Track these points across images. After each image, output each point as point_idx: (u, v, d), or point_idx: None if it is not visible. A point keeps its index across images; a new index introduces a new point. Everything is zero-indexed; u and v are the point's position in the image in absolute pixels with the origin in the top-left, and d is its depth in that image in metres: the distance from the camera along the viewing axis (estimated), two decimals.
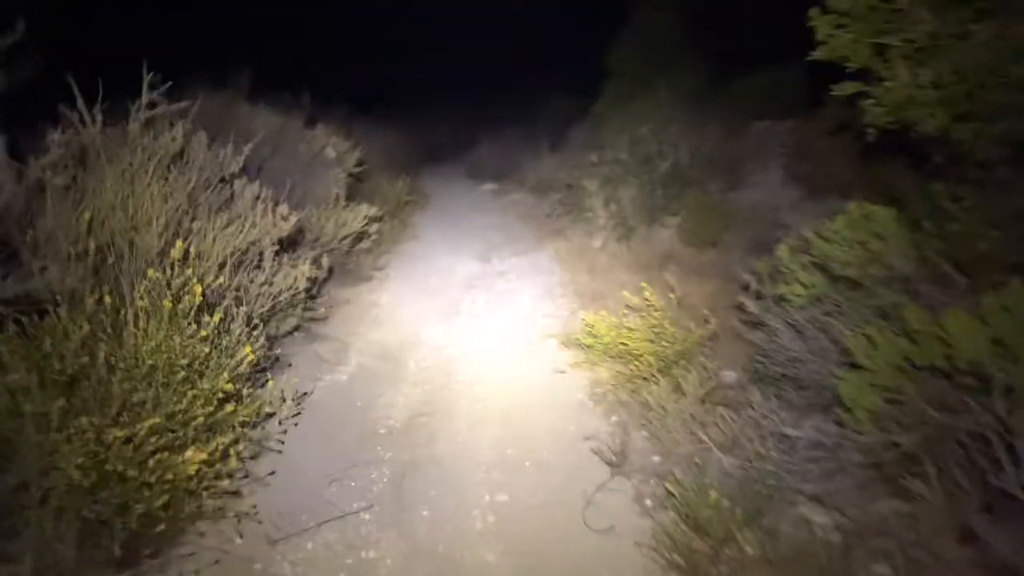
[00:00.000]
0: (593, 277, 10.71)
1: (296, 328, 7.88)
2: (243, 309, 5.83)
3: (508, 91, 25.20)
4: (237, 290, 6.29)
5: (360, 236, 10.54)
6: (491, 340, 8.81)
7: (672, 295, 7.91)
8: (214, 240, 6.05)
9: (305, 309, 7.95)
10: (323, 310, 8.84)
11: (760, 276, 6.70)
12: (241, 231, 6.34)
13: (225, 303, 5.69)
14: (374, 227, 10.95)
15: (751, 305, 6.64)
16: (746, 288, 6.89)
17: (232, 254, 6.27)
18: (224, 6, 18.43)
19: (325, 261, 9.11)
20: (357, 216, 10.14)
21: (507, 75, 26.70)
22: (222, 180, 6.81)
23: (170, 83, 6.39)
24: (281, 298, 6.94)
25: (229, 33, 17.29)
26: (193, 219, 6.19)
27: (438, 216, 15.32)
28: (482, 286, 10.86)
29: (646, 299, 7.71)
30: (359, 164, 12.10)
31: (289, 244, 7.75)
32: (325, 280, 9.63)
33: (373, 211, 10.77)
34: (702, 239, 10.92)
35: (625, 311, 8.09)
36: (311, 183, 9.70)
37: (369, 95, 20.52)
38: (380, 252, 11.94)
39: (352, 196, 11.38)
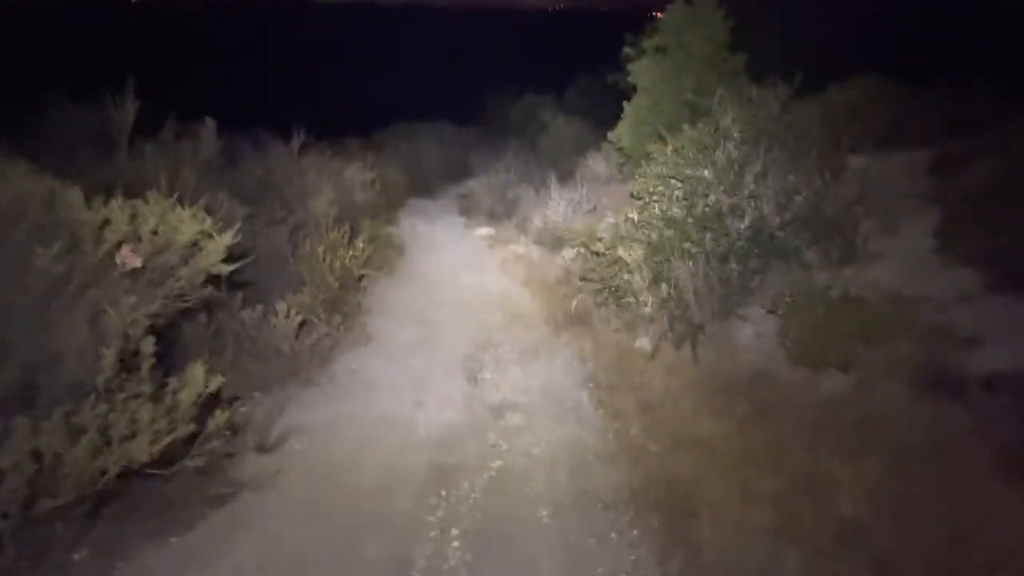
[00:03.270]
0: (651, 424, 6.73)
1: None
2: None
3: (507, 113, 21.51)
4: None
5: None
6: None
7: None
8: None
9: None
10: None
11: None
12: None
13: None
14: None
15: None
16: None
17: None
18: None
19: None
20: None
21: (506, 94, 23.06)
22: None
23: None
24: None
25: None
26: None
27: (411, 285, 11.22)
28: (462, 469, 6.36)
29: None
30: None
31: None
32: None
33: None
34: (818, 354, 6.90)
35: None
36: None
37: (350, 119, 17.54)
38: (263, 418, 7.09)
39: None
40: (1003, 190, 6.81)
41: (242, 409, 6.93)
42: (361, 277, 10.14)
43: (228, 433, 5.67)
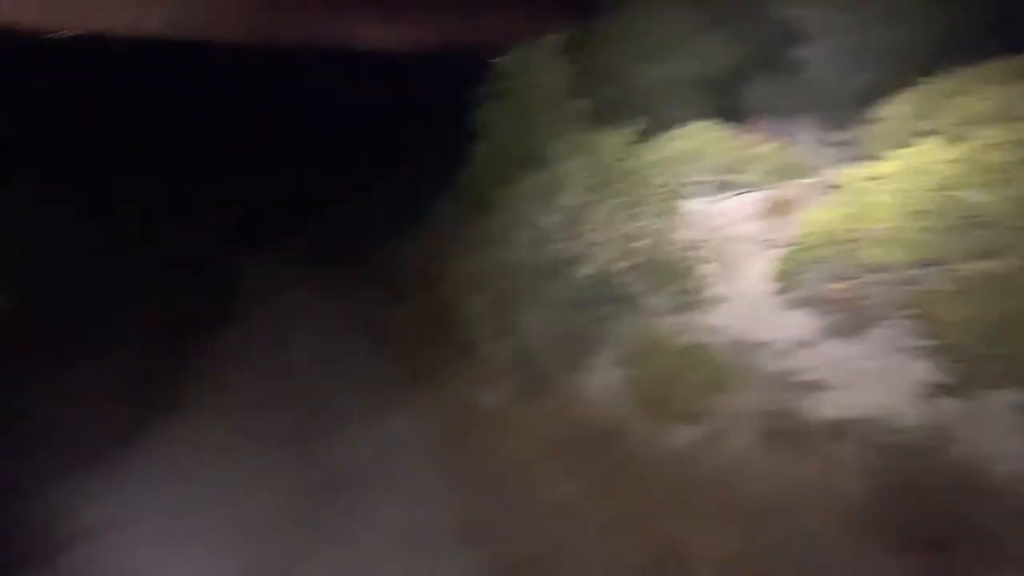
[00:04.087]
0: (502, 493, 6.28)
1: None
2: None
3: (351, 154, 20.45)
4: None
5: None
6: None
7: None
8: None
9: None
10: None
11: None
12: None
13: None
14: None
15: None
16: None
17: None
18: None
19: None
20: None
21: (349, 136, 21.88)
22: None
23: None
24: None
25: None
26: None
27: (250, 339, 10.29)
28: None
29: None
30: None
31: None
32: None
33: None
34: (668, 406, 6.75)
35: None
36: None
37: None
38: None
39: None
40: (836, 235, 6.94)
41: None
42: None
43: None
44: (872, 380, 5.99)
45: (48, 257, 10.11)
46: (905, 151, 5.90)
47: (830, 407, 5.97)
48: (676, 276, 8.28)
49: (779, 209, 8.76)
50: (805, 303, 7.00)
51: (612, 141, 9.32)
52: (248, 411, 8.51)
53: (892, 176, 5.76)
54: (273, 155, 17.27)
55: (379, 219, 14.85)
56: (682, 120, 11.77)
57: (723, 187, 10.41)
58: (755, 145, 10.68)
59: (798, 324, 7.01)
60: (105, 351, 9.11)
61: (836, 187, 6.46)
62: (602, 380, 7.69)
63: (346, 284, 13.19)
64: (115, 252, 11.39)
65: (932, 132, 6.79)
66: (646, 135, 9.86)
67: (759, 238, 8.60)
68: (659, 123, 11.16)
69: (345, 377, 9.25)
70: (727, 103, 14.04)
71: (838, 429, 5.65)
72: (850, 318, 6.55)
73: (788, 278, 7.16)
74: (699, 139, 10.91)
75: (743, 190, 10.17)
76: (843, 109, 11.78)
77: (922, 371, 5.63)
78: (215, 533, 6.12)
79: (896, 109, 8.22)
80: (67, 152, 12.17)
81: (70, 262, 10.32)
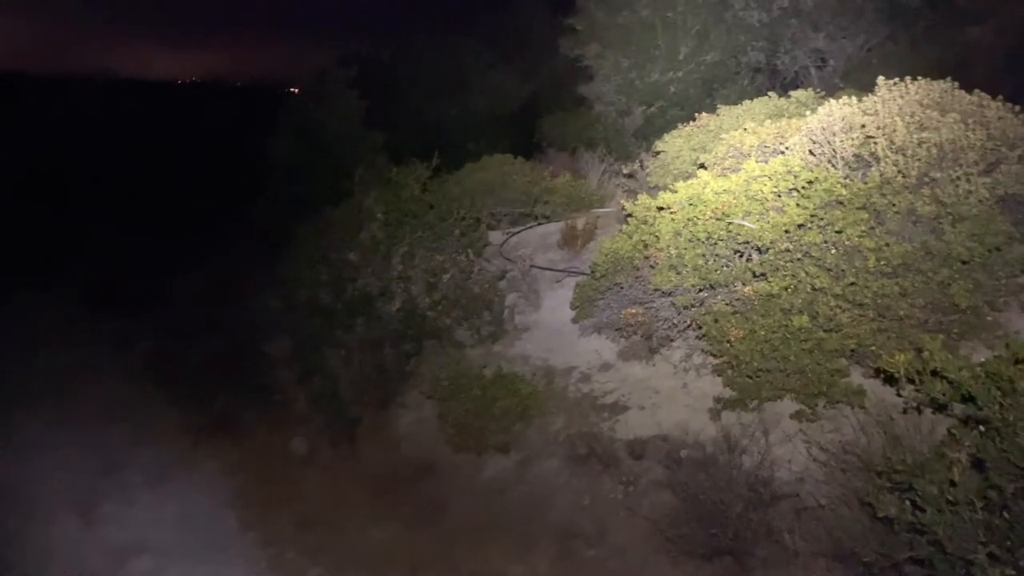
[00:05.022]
0: (312, 543, 5.96)
1: None
2: None
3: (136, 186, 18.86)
4: None
5: None
6: None
7: None
8: None
9: None
10: None
11: None
12: None
13: None
14: None
15: None
16: None
17: None
18: None
19: None
20: None
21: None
22: None
23: None
24: None
25: None
26: None
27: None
28: None
29: None
30: None
31: None
32: None
33: None
34: (478, 437, 6.77)
35: None
36: None
37: None
38: None
39: None
40: (628, 262, 7.34)
41: None
42: None
43: None
44: (668, 398, 6.39)
45: None
46: (684, 183, 6.36)
47: (631, 427, 6.27)
48: (482, 307, 8.38)
49: (575, 238, 9.17)
50: (603, 328, 7.34)
51: (412, 174, 9.28)
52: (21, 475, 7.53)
53: (674, 205, 6.17)
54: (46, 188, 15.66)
55: (165, 257, 13.81)
56: (478, 153, 12.04)
57: (522, 218, 10.76)
58: (550, 177, 11.14)
59: (598, 348, 7.33)
60: None
61: (627, 216, 6.82)
62: (412, 416, 7.59)
63: (123, 327, 12.06)
64: None
65: (704, 165, 7.44)
66: (445, 167, 9.95)
67: (558, 267, 8.93)
68: (456, 156, 11.35)
69: (133, 431, 8.45)
70: (520, 137, 14.57)
71: (639, 447, 5.94)
72: (645, 341, 6.96)
73: (586, 304, 7.48)
74: (497, 171, 11.17)
75: (541, 220, 10.56)
76: (627, 143, 12.64)
77: (711, 387, 6.09)
78: None
79: (674, 144, 8.92)
80: None
81: None
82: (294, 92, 12.85)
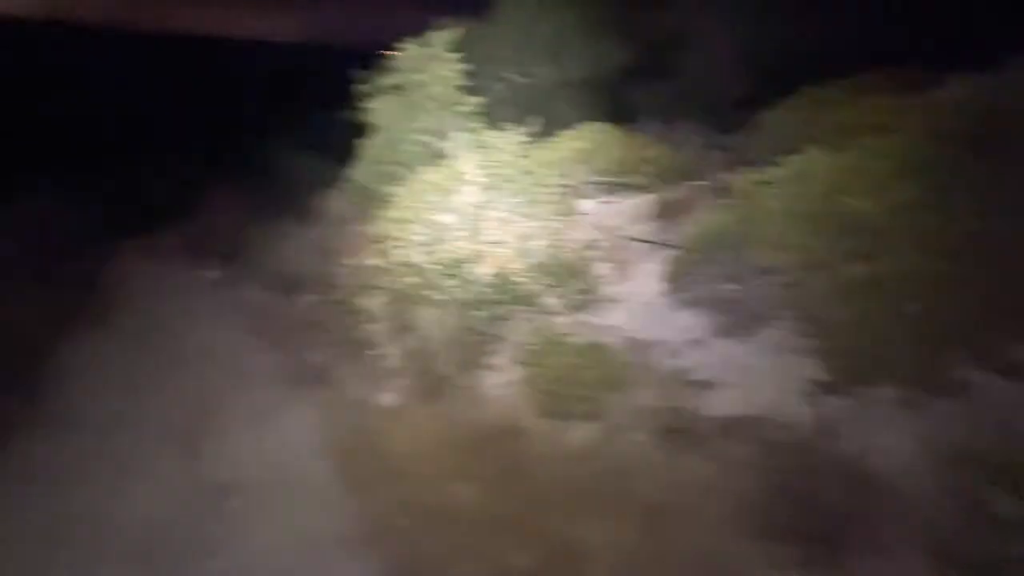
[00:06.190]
0: (399, 496, 6.17)
1: None
2: None
3: (240, 140, 19.47)
4: None
5: None
6: None
7: None
8: None
9: None
10: None
11: None
12: None
13: None
14: None
15: None
16: None
17: None
18: None
19: None
20: None
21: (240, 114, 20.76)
22: None
23: None
24: None
25: None
26: None
27: (121, 339, 9.68)
28: None
29: None
30: None
31: None
32: None
33: None
34: (564, 404, 6.83)
35: None
36: None
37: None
38: None
39: None
40: (726, 237, 7.23)
41: None
42: None
43: None
44: (761, 378, 6.28)
45: None
46: (791, 158, 6.19)
47: (721, 405, 6.21)
48: (572, 276, 8.39)
49: (670, 211, 9.03)
50: (696, 303, 7.26)
51: (506, 140, 9.32)
52: (123, 416, 8.01)
53: (779, 182, 6.03)
54: (155, 145, 16.32)
55: (266, 213, 14.31)
56: (573, 121, 11.93)
57: (616, 188, 10.65)
58: (645, 148, 10.96)
59: (690, 324, 7.25)
60: None
61: (726, 191, 6.70)
62: (499, 379, 7.70)
63: (229, 279, 12.67)
64: None
65: (814, 140, 7.19)
66: (539, 135, 9.94)
67: (652, 239, 8.84)
68: (551, 123, 11.28)
69: (230, 377, 8.87)
70: (615, 105, 14.35)
71: (729, 426, 5.89)
72: (739, 318, 6.85)
73: (680, 279, 7.40)
74: (591, 140, 11.08)
75: (635, 191, 10.43)
76: (726, 115, 12.30)
77: (808, 369, 5.95)
78: (95, 549, 5.72)
79: (779, 116, 8.64)
80: None
81: None
82: (389, 55, 12.92)
